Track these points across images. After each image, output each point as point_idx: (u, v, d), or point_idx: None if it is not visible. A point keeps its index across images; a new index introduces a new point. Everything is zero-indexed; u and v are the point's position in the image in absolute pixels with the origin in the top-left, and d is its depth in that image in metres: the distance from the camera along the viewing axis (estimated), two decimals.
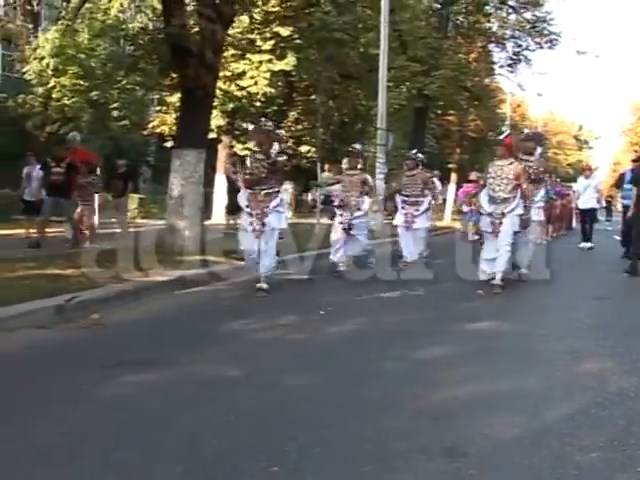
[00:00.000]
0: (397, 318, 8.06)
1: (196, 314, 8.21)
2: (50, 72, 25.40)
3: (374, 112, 28.32)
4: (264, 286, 9.58)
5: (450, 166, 39.72)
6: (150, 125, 29.24)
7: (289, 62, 27.00)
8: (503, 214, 10.25)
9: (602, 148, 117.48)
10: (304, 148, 33.91)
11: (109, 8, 28.15)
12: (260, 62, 27.10)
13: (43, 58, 25.70)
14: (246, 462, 3.71)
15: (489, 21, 35.18)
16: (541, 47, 34.68)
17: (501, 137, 11.21)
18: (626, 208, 15.40)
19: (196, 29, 12.95)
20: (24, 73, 26.65)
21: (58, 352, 6.19)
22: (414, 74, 28.17)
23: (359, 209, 12.31)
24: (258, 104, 28.90)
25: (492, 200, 10.46)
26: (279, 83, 28.95)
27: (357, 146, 13.35)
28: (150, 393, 4.98)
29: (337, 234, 12.29)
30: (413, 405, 4.74)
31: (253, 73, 27.17)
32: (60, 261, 10.65)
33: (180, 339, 6.77)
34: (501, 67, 37.63)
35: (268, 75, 27.36)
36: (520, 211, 10.46)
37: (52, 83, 25.47)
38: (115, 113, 23.14)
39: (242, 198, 10.00)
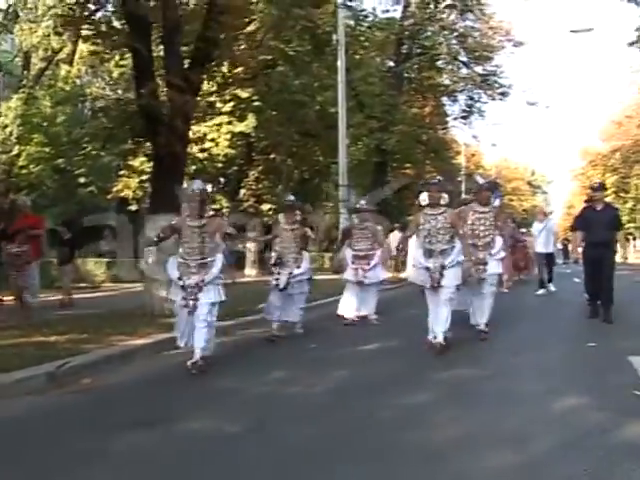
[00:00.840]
0: (377, 370, 8.27)
1: (186, 374, 8.26)
2: (14, 140, 25.58)
3: (333, 168, 28.85)
4: (199, 360, 8.26)
5: (410, 218, 40.29)
6: (114, 189, 29.47)
7: (249, 124, 27.44)
8: (443, 267, 9.30)
9: (555, 192, 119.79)
10: (266, 206, 34.30)
11: (68, 76, 28.66)
12: (220, 124, 27.53)
13: (6, 126, 25.90)
14: None
15: (441, 76, 36.10)
16: (493, 99, 35.74)
17: (432, 182, 10.13)
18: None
19: (165, 98, 13.32)
20: None
21: (56, 417, 6.36)
22: (372, 130, 28.76)
23: (298, 267, 11.24)
24: (219, 165, 29.30)
25: (428, 253, 9.45)
26: (238, 143, 29.35)
27: (292, 197, 12.20)
28: (154, 451, 5.20)
29: (275, 296, 11.11)
30: (409, 447, 5.11)
31: (214, 135, 27.60)
32: (44, 329, 10.83)
33: (174, 399, 6.96)
34: (455, 119, 38.60)
35: (229, 136, 27.80)
36: (460, 260, 9.59)
37: (16, 151, 25.65)
38: (82, 179, 23.44)
39: (172, 268, 8.65)
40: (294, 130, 27.80)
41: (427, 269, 9.36)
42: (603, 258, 12.43)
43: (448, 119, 38.91)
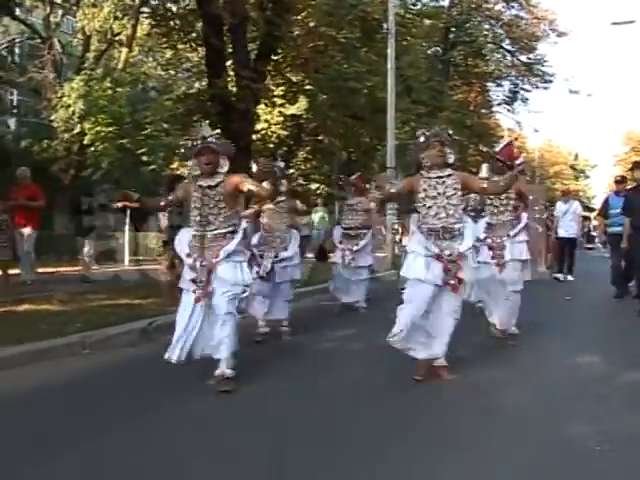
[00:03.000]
0: None
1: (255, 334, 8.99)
2: (77, 119, 26.66)
3: (379, 150, 29.76)
4: (227, 372, 6.31)
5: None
6: (171, 167, 30.48)
7: (300, 106, 28.48)
8: (461, 255, 6.50)
9: (599, 177, 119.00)
10: (314, 185, 35.44)
11: (127, 59, 29.93)
12: (273, 106, 28.64)
13: (69, 106, 27.02)
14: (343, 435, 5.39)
15: (486, 64, 36.91)
16: (537, 87, 36.55)
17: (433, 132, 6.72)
18: (614, 237, 13.55)
19: (234, 87, 14.48)
20: (51, 121, 28.00)
21: (151, 365, 7.11)
22: (419, 115, 29.63)
23: (286, 248, 8.97)
24: (271, 146, 30.34)
25: (432, 233, 6.53)
26: (289, 125, 30.42)
27: (281, 164, 9.94)
28: (233, 395, 6.11)
29: (256, 285, 8.08)
30: (451, 383, 6.52)
31: (267, 117, 28.71)
32: (128, 293, 12.10)
33: (248, 353, 7.46)
34: (499, 105, 39.44)
35: (281, 119, 28.90)
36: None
37: (78, 129, 26.73)
38: (144, 158, 24.53)
39: (182, 242, 6.69)
40: (343, 114, 28.60)
41: (439, 258, 6.47)
42: None
43: (492, 104, 39.72)
